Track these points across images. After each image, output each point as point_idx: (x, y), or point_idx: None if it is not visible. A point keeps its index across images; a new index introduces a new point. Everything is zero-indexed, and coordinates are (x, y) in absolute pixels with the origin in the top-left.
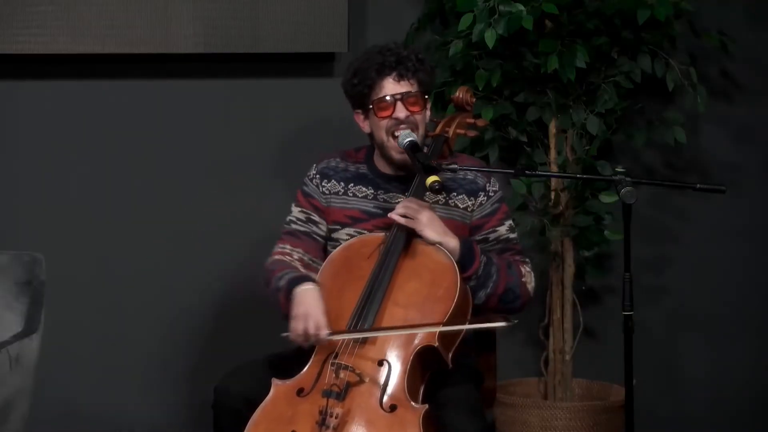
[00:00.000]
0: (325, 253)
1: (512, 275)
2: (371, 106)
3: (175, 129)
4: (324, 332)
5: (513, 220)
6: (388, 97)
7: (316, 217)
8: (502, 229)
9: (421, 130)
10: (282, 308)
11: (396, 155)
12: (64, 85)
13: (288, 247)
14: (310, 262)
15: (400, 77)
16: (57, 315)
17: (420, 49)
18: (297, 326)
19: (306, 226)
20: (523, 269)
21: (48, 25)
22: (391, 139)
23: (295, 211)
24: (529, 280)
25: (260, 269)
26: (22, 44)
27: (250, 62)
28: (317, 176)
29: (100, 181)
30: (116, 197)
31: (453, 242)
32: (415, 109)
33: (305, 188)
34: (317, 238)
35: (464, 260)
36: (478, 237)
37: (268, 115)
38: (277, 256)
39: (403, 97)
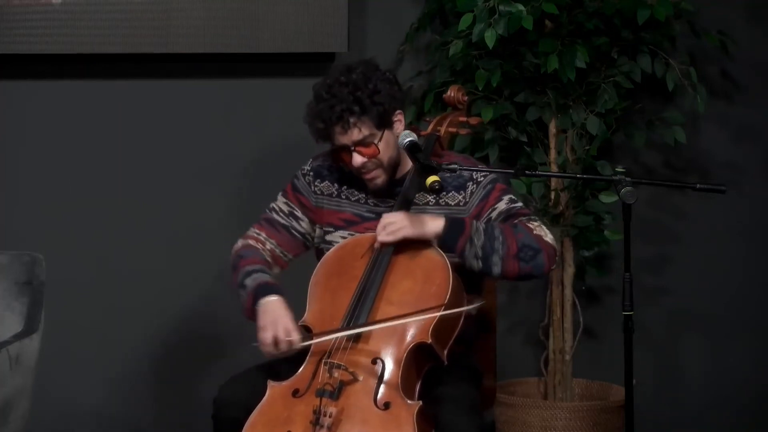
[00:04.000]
0: (318, 255)
1: (521, 232)
2: (331, 153)
3: (175, 129)
4: (295, 337)
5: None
6: (341, 147)
7: (299, 213)
8: (502, 205)
9: (388, 155)
10: (246, 309)
11: (371, 186)
12: (64, 85)
13: (263, 235)
14: (281, 255)
15: (345, 129)
16: (57, 315)
17: (367, 74)
18: (266, 335)
19: (287, 219)
20: (530, 225)
21: (48, 25)
22: (361, 176)
23: (280, 202)
24: (543, 233)
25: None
26: (22, 44)
27: (250, 62)
28: (311, 173)
29: (100, 181)
30: (116, 197)
31: (439, 223)
32: (370, 151)
33: (296, 182)
34: (295, 233)
35: (452, 232)
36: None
37: (268, 115)
38: (250, 241)
39: (356, 146)
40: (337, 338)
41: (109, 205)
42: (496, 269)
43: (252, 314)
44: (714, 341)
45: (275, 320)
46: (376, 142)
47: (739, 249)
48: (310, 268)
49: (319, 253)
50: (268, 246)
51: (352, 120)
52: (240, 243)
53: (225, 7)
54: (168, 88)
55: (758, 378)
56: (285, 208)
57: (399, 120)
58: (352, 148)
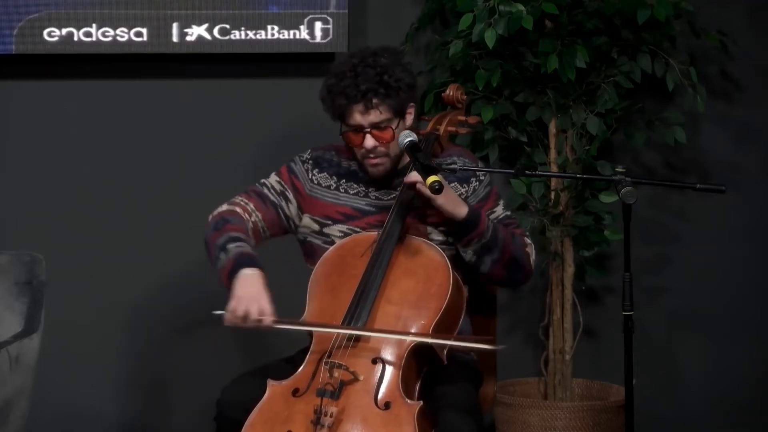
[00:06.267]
0: (312, 249)
1: (517, 245)
2: (342, 132)
3: (175, 129)
4: (268, 319)
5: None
6: (356, 127)
7: (290, 195)
8: (499, 209)
9: (394, 151)
10: (223, 272)
11: (372, 171)
12: (64, 85)
13: (251, 205)
14: (262, 231)
15: (367, 108)
16: (57, 315)
17: (393, 60)
18: (238, 307)
19: (277, 198)
20: (526, 240)
21: (48, 25)
22: (366, 160)
23: (272, 180)
24: (532, 252)
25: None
26: (22, 44)
27: (250, 62)
28: (310, 161)
29: (100, 181)
30: (116, 197)
31: (464, 209)
32: (386, 136)
33: (293, 165)
34: (281, 214)
35: (469, 225)
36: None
37: (268, 115)
38: (237, 209)
39: (372, 128)
40: (355, 336)
41: (109, 205)
42: (484, 268)
43: (227, 280)
44: (714, 341)
45: (255, 296)
46: (393, 127)
47: (739, 249)
48: (304, 264)
49: (309, 246)
50: (253, 218)
51: (375, 101)
52: (225, 207)
53: (225, 7)
54: (168, 88)
55: (758, 378)
56: (277, 187)
57: (410, 113)
58: (368, 129)
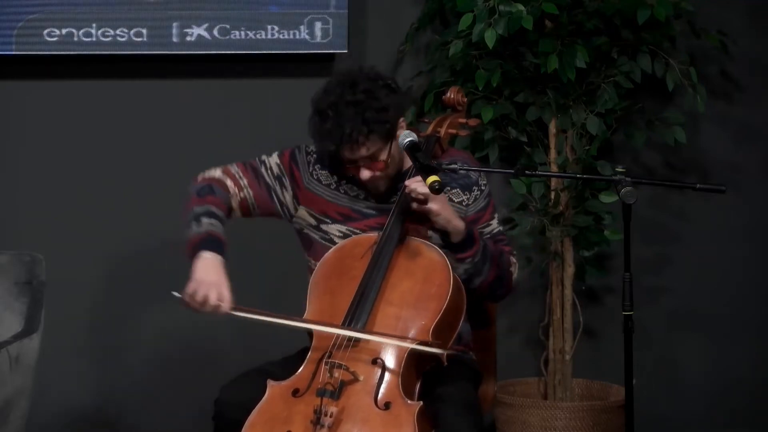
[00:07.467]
0: (310, 241)
1: (503, 264)
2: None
3: (175, 129)
4: (226, 305)
5: (512, 219)
6: (349, 161)
7: (286, 182)
8: (495, 223)
9: (394, 164)
10: (189, 244)
11: (373, 189)
12: (64, 85)
13: (245, 180)
14: (252, 207)
15: (353, 148)
16: (57, 315)
17: (372, 88)
18: (198, 291)
19: (272, 180)
20: (511, 259)
21: (48, 26)
22: (367, 183)
23: (273, 161)
24: (515, 271)
25: (200, 181)
26: (22, 44)
27: (250, 62)
28: (314, 155)
29: (100, 181)
30: (116, 197)
31: (461, 224)
32: (379, 166)
33: (296, 153)
34: (274, 197)
35: (463, 243)
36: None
37: (268, 115)
38: (229, 182)
39: (363, 162)
40: (354, 337)
41: (109, 205)
42: (472, 286)
43: (191, 252)
44: (714, 341)
45: (215, 282)
46: (383, 158)
47: (739, 249)
48: (303, 264)
49: (307, 238)
50: (243, 193)
51: (360, 139)
52: (218, 174)
53: (225, 7)
54: (168, 88)
55: (758, 378)
56: (275, 170)
57: (402, 126)
58: (360, 164)
